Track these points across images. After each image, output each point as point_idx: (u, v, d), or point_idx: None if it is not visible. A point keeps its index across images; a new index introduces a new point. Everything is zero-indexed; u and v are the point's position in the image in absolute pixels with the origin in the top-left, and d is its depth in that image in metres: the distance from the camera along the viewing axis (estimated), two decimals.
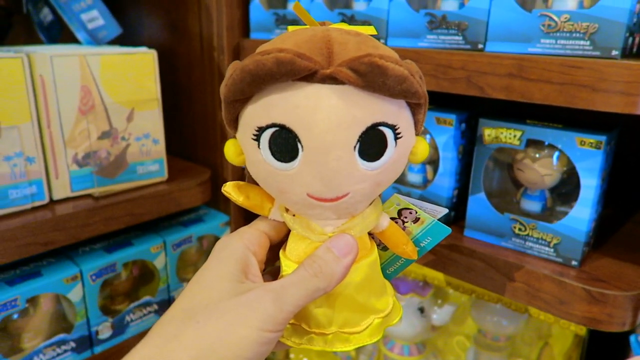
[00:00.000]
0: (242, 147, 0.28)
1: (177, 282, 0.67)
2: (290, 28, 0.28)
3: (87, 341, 0.59)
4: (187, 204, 0.64)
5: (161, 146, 0.61)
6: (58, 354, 0.56)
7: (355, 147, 0.26)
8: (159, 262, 0.64)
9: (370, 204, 0.30)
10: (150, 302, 0.65)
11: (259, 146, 0.27)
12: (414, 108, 0.28)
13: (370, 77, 0.24)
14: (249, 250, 0.30)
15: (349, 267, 0.29)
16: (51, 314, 0.57)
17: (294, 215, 0.30)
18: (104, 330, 0.60)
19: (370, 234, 0.32)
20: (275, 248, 0.33)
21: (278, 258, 0.32)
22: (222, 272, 0.28)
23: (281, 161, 0.26)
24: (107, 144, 0.57)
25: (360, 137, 0.26)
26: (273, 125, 0.26)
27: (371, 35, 0.28)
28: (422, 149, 0.29)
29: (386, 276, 0.35)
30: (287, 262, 0.30)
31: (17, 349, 0.54)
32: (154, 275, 0.65)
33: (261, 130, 0.26)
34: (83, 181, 0.57)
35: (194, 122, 0.71)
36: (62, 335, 0.57)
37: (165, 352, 0.26)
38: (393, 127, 0.26)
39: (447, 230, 0.33)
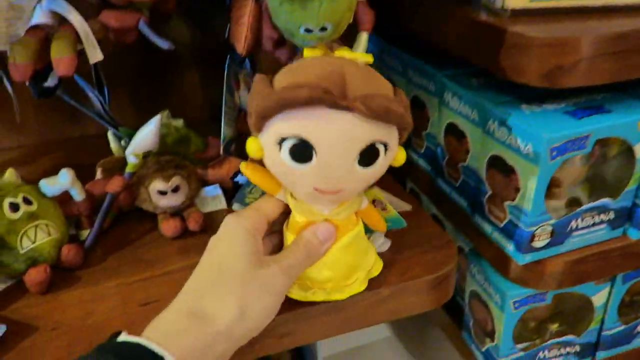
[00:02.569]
0: (263, 146, 0.35)
1: None
2: (306, 53, 0.39)
3: None
4: None
5: None
6: None
7: (356, 158, 0.34)
8: None
9: (357, 201, 0.40)
10: None
11: (279, 150, 0.34)
12: (401, 131, 0.37)
13: (377, 113, 0.33)
14: (257, 231, 0.38)
15: (329, 248, 0.39)
16: None
17: (296, 200, 0.39)
18: None
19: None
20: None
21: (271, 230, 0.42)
22: (245, 249, 0.36)
23: (297, 162, 0.34)
24: None
25: (360, 152, 0.34)
26: (295, 137, 0.33)
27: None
28: (401, 156, 0.38)
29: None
30: (291, 236, 0.40)
31: None
32: None
33: (284, 139, 0.34)
34: None
35: None
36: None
37: (204, 306, 0.33)
38: (385, 144, 0.35)
39: (403, 223, 0.46)
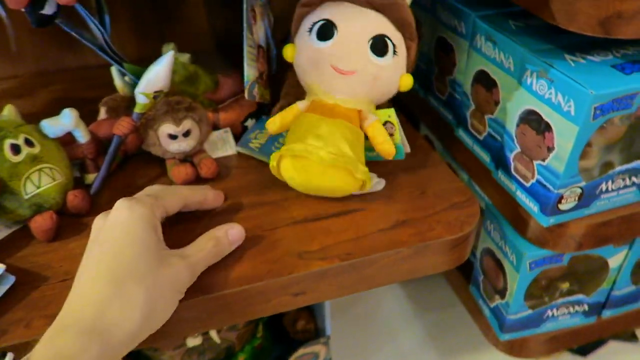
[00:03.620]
0: (297, 44, 0.45)
1: None
2: None
3: None
4: None
5: None
6: None
7: (368, 42, 0.42)
8: None
9: (366, 103, 0.45)
10: None
11: (309, 34, 0.43)
12: (408, 45, 0.44)
13: (391, 15, 0.43)
14: (157, 220, 0.36)
15: (234, 247, 0.40)
16: None
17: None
18: None
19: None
20: None
21: None
22: (145, 243, 0.33)
23: (322, 40, 0.42)
24: None
25: (371, 38, 0.42)
26: (323, 19, 0.43)
27: None
28: (407, 79, 0.44)
29: (367, 157, 0.46)
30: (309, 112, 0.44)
31: None
32: None
33: (315, 24, 0.43)
34: None
35: None
36: None
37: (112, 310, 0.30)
38: (392, 42, 0.43)
39: (402, 155, 0.47)
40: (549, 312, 0.58)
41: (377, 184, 0.47)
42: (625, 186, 0.47)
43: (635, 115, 0.44)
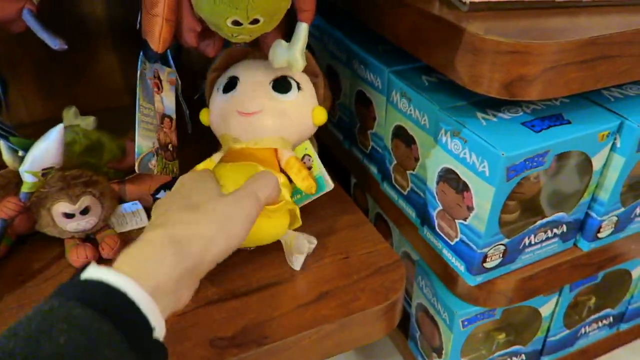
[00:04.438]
0: (210, 106, 0.47)
1: None
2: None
3: None
4: None
5: None
6: None
7: (270, 83, 0.44)
8: None
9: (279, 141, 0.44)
10: None
11: (218, 92, 0.46)
12: (313, 80, 0.46)
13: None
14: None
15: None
16: None
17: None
18: None
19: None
20: None
21: None
22: (212, 184, 0.36)
23: (226, 92, 0.45)
24: None
25: (272, 80, 0.44)
26: (228, 77, 0.46)
27: None
28: (319, 112, 0.46)
29: (295, 201, 0.45)
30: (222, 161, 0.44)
31: None
32: None
33: (222, 83, 0.46)
34: None
35: None
36: None
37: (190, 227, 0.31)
38: (294, 79, 0.45)
39: (324, 188, 0.44)
40: None
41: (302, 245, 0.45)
42: (547, 238, 0.47)
43: (550, 170, 0.44)
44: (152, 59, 0.43)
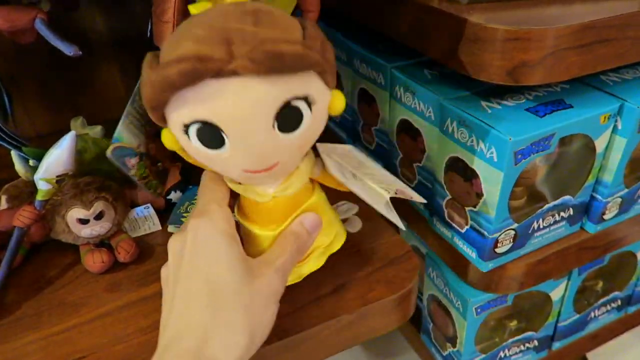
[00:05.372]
0: (176, 137, 0.30)
1: None
2: (191, 9, 0.29)
3: None
4: None
5: None
6: None
7: (274, 125, 0.28)
8: None
9: (304, 158, 0.34)
10: None
11: (189, 139, 0.29)
12: (320, 74, 0.29)
13: (269, 64, 0.26)
14: (234, 230, 0.33)
15: (315, 236, 0.36)
16: None
17: (240, 184, 0.34)
18: None
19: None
20: None
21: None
22: (232, 259, 0.31)
23: (213, 148, 0.29)
24: None
25: (275, 116, 0.28)
26: (196, 122, 0.28)
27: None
28: (338, 101, 0.31)
29: None
30: (246, 221, 0.36)
31: None
32: None
33: (187, 126, 0.28)
34: None
35: None
36: None
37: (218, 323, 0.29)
38: (305, 98, 0.28)
39: None
40: (501, 354, 0.57)
41: (347, 210, 0.45)
42: (556, 222, 0.48)
43: (555, 154, 0.45)
44: None
